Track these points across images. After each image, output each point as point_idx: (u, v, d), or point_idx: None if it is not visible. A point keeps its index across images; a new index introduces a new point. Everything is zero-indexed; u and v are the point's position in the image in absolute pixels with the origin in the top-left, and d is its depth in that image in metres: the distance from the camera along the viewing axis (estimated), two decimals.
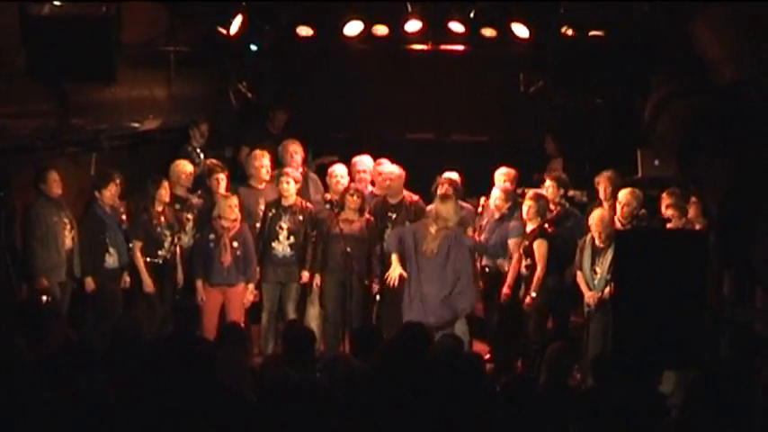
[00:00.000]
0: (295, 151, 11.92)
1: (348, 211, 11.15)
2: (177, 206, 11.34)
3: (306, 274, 11.27)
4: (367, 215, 11.29)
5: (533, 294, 10.68)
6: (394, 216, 11.42)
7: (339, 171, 11.71)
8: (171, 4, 10.66)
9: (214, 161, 11.92)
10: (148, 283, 10.92)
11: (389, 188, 11.55)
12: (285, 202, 11.27)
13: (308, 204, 11.43)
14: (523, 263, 10.84)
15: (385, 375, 7.51)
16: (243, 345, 8.56)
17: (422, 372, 7.63)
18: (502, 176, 11.54)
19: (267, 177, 11.71)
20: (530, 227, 10.85)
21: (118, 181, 10.87)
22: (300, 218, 11.26)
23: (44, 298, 10.24)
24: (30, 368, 7.37)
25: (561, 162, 13.02)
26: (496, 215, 11.22)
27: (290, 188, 11.25)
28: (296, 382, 7.23)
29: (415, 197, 11.59)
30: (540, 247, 10.73)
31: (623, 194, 10.78)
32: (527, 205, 10.88)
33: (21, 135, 9.19)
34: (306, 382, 7.28)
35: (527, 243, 10.79)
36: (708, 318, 7.81)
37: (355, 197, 11.16)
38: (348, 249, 10.89)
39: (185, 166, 11.54)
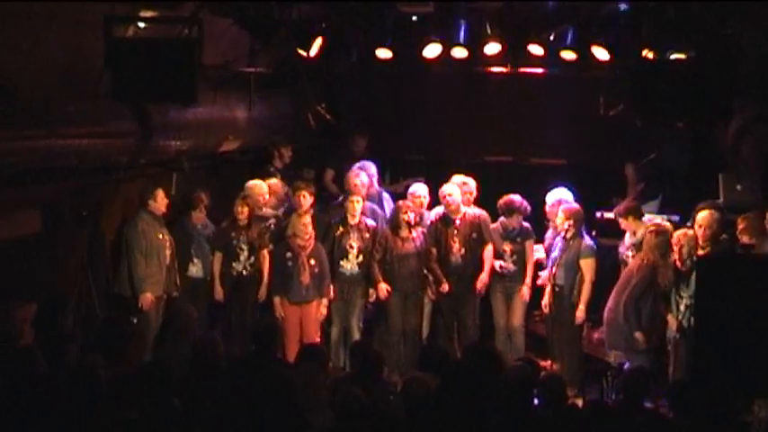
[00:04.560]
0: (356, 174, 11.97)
1: (403, 229, 11.35)
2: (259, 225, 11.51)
3: (383, 287, 11.39)
4: (421, 228, 11.49)
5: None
6: (455, 231, 11.57)
7: (420, 191, 11.82)
8: (251, 26, 10.74)
9: (300, 180, 12.05)
10: (218, 291, 11.23)
11: (448, 206, 11.63)
12: (352, 221, 11.43)
13: (371, 223, 11.62)
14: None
15: (457, 397, 7.49)
16: (321, 362, 8.57)
17: (497, 394, 7.61)
18: (558, 213, 11.39)
19: None
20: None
21: (206, 202, 11.26)
22: (366, 235, 11.45)
23: (134, 320, 10.40)
24: (106, 387, 7.44)
25: (641, 186, 12.89)
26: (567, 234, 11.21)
27: (357, 207, 11.43)
28: (367, 403, 7.24)
29: (478, 211, 11.66)
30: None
31: (703, 217, 10.40)
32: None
33: (103, 156, 9.30)
34: (378, 402, 7.28)
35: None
36: None
37: (407, 215, 11.33)
38: (424, 269, 11.34)
39: (262, 187, 11.69)
